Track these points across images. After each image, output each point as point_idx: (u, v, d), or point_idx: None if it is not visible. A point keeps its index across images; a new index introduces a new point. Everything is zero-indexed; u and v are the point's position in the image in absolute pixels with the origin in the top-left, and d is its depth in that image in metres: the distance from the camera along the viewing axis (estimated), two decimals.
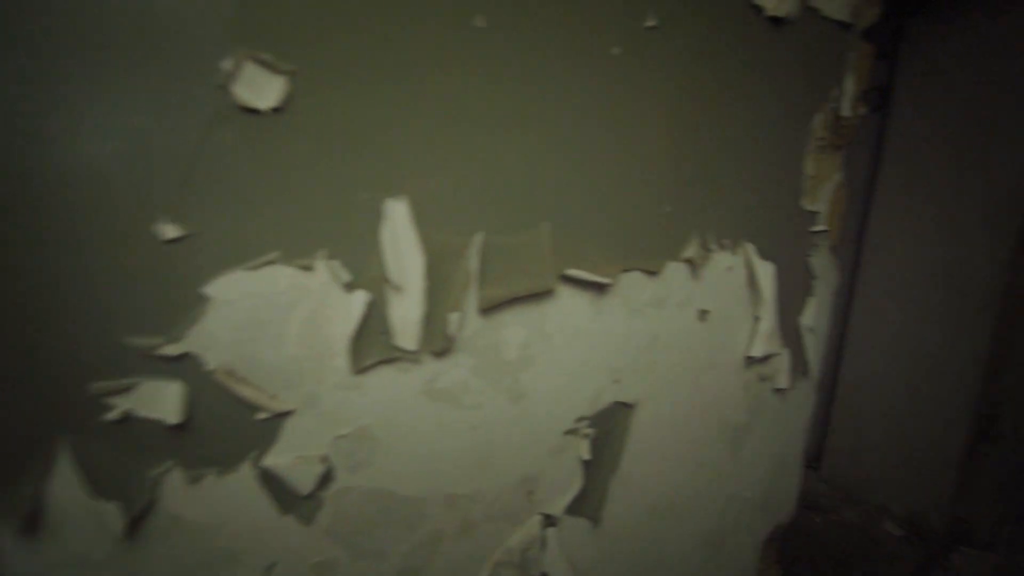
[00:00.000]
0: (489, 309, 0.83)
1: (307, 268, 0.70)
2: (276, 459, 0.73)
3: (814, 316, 1.21)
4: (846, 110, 1.09)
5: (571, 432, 0.96)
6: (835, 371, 2.58)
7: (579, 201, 0.86)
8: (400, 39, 0.69)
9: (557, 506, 0.98)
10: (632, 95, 0.86)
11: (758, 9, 0.95)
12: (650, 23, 0.85)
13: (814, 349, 1.25)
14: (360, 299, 0.72)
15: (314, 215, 0.69)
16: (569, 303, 0.89)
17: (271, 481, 0.74)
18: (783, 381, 1.21)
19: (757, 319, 1.12)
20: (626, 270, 0.93)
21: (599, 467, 1.01)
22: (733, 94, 0.97)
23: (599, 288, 0.91)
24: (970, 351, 2.07)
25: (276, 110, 0.64)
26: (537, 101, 0.80)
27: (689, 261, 0.99)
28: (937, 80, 2.08)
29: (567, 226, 0.86)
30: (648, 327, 0.99)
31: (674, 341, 1.04)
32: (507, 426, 0.90)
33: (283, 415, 0.73)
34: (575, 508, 1.00)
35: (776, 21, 0.97)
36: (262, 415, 0.71)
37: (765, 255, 1.09)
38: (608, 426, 1.01)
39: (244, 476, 0.72)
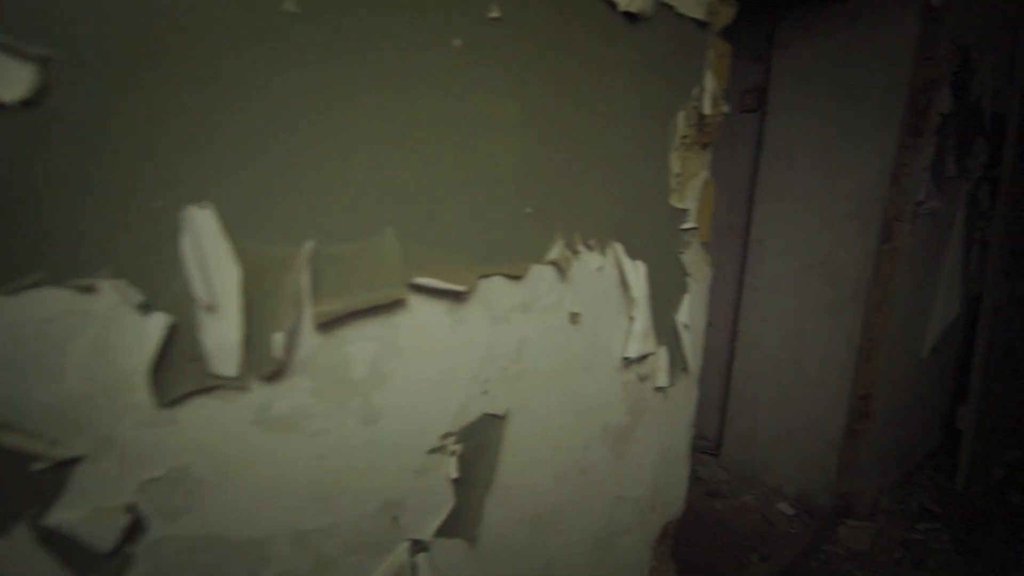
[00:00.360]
0: (328, 325, 0.75)
1: (87, 290, 0.59)
2: (64, 514, 0.62)
3: (689, 312, 1.22)
4: (707, 108, 1.10)
5: (436, 450, 0.90)
6: (730, 361, 2.68)
7: (427, 204, 0.80)
8: (192, 14, 0.60)
9: (426, 530, 0.92)
10: (477, 90, 0.81)
11: (611, 4, 0.93)
12: (494, 14, 0.80)
13: (692, 345, 1.26)
14: (158, 323, 0.63)
15: (91, 228, 0.59)
16: (424, 314, 0.83)
17: (58, 541, 0.62)
18: (663, 379, 1.21)
19: (632, 319, 1.11)
20: (486, 275, 0.88)
21: (471, 484, 0.96)
22: (592, 91, 0.94)
23: (457, 296, 0.85)
24: (845, 336, 2.21)
25: (26, 103, 0.54)
26: (371, 93, 0.73)
27: (555, 263, 0.96)
28: (805, 82, 2.20)
29: (415, 231, 0.80)
30: (515, 333, 0.95)
31: (545, 346, 1.00)
32: (361, 450, 0.82)
33: (69, 462, 0.62)
34: (447, 529, 0.94)
35: (631, 17, 0.96)
36: (39, 465, 0.60)
37: (635, 254, 1.08)
38: (479, 440, 0.95)
39: (19, 539, 0.60)
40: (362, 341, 0.79)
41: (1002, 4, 2.25)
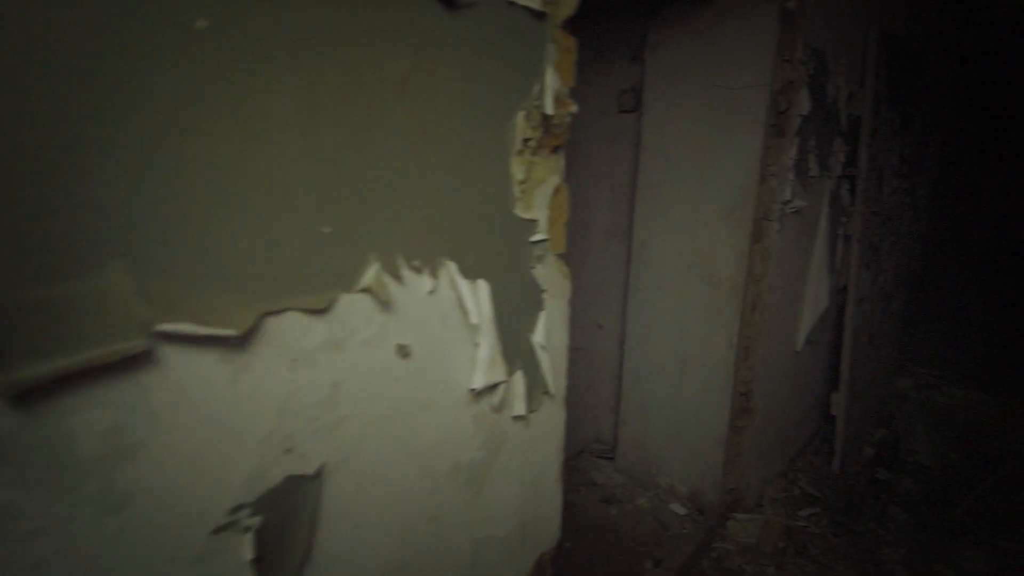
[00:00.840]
0: (30, 395, 0.56)
1: None
2: None
3: (547, 332, 1.11)
4: (549, 108, 0.99)
5: (224, 528, 0.73)
6: (620, 363, 2.66)
7: (175, 227, 0.63)
8: None
9: None
10: (235, 80, 0.64)
11: None
12: None
13: (553, 366, 1.16)
14: None
15: None
16: (184, 367, 0.66)
17: None
18: (520, 407, 1.10)
19: (476, 345, 0.99)
20: (273, 312, 0.72)
21: (279, 561, 0.79)
22: (405, 87, 0.81)
23: (230, 341, 0.69)
24: (725, 335, 2.22)
25: None
26: (81, 79, 0.55)
27: (370, 290, 0.81)
28: (678, 83, 2.19)
29: (159, 264, 0.62)
30: (325, 377, 0.80)
31: (369, 387, 0.85)
32: (104, 547, 0.64)
33: None
34: None
35: (449, 3, 0.83)
36: None
37: (474, 273, 0.96)
38: (285, 508, 0.79)
39: None
40: (91, 409, 0.60)
41: (852, 11, 2.36)
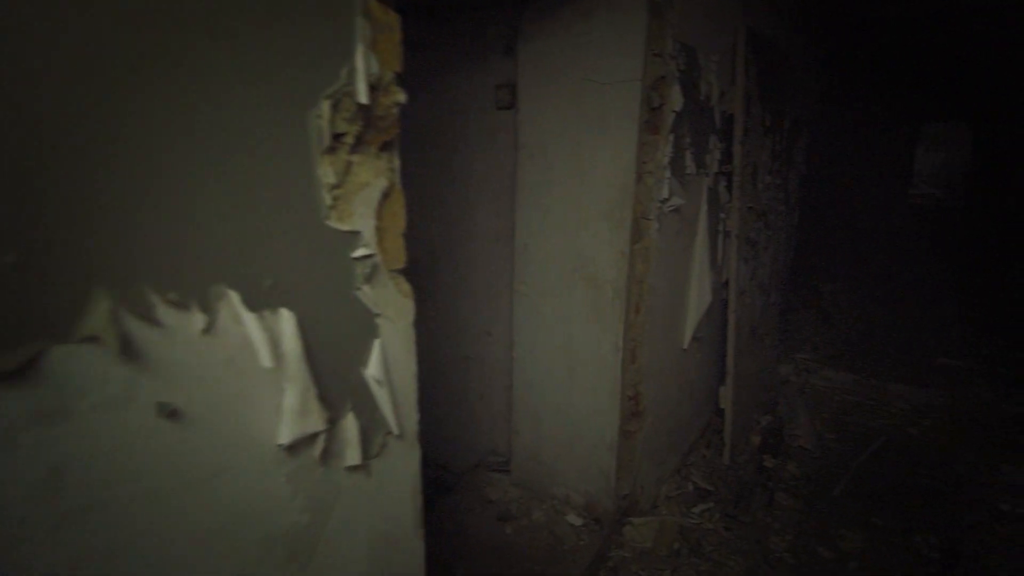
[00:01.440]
0: None
1: None
2: None
3: (383, 363, 0.94)
4: (362, 96, 0.82)
5: None
6: (510, 373, 2.54)
7: None
8: None
9: None
10: None
11: None
12: None
13: (397, 401, 0.99)
14: None
15: None
16: None
17: None
18: (354, 456, 0.91)
19: (283, 390, 0.79)
20: None
21: None
22: (141, 60, 0.60)
23: None
24: (611, 338, 2.15)
25: None
26: None
27: (97, 338, 0.60)
28: (553, 76, 2.09)
29: None
30: (37, 460, 0.58)
31: (115, 464, 0.64)
32: None
33: None
34: None
35: None
36: None
37: (272, 301, 0.76)
38: None
39: None
40: None
41: (720, 9, 2.37)
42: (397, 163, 0.94)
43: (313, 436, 0.84)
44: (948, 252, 8.17)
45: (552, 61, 2.08)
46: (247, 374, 0.75)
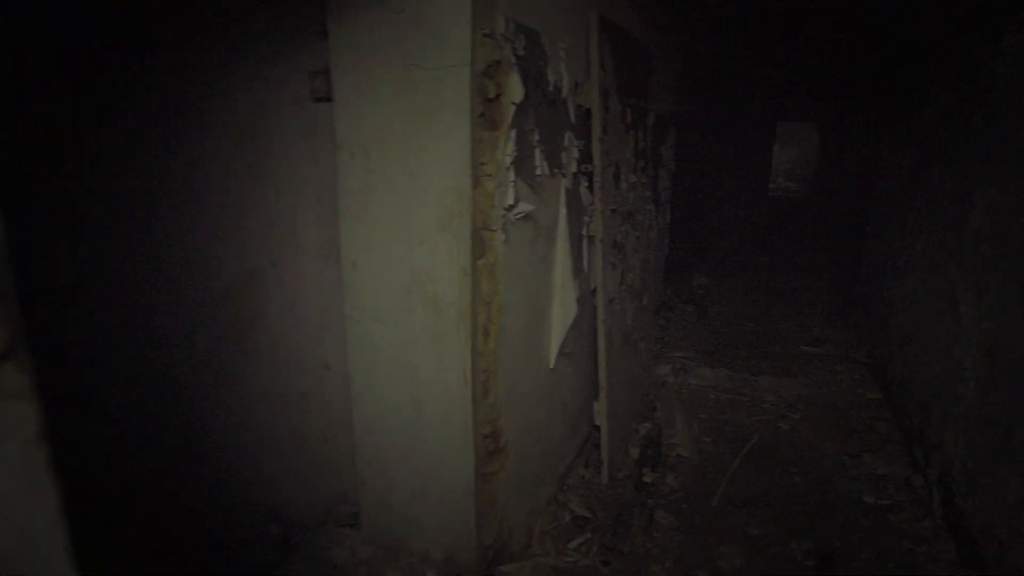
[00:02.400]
0: None
1: None
2: None
3: None
4: None
5: None
6: (349, 412, 2.15)
7: None
8: None
9: None
10: None
11: None
12: None
13: None
14: None
15: None
16: None
17: None
18: None
19: None
20: None
21: None
22: None
23: None
24: (459, 369, 1.84)
25: None
26: None
27: None
28: (371, 61, 1.73)
29: None
30: None
31: None
32: None
33: None
34: None
35: None
36: None
37: None
38: None
39: None
40: None
41: None
42: None
43: None
44: (803, 241, 8.80)
45: (369, 43, 1.72)
46: None
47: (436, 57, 1.62)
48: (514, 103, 1.72)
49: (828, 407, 3.66)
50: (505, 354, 1.93)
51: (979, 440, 2.30)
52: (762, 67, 8.44)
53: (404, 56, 1.67)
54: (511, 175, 1.77)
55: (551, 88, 2.02)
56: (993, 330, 2.28)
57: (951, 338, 2.70)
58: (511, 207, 1.79)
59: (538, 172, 2.00)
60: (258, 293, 2.20)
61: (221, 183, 1.85)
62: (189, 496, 1.88)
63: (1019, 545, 1.87)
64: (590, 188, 2.50)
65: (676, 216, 6.79)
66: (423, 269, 1.79)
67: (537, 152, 1.94)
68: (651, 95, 3.45)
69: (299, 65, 1.96)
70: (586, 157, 2.44)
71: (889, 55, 4.54)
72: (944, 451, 2.62)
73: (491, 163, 1.70)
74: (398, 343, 1.90)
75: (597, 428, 2.82)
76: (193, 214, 1.76)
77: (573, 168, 2.36)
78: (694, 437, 3.25)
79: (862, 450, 3.15)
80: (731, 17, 4.48)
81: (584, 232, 2.54)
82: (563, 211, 2.27)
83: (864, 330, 4.62)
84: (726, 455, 3.11)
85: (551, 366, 2.36)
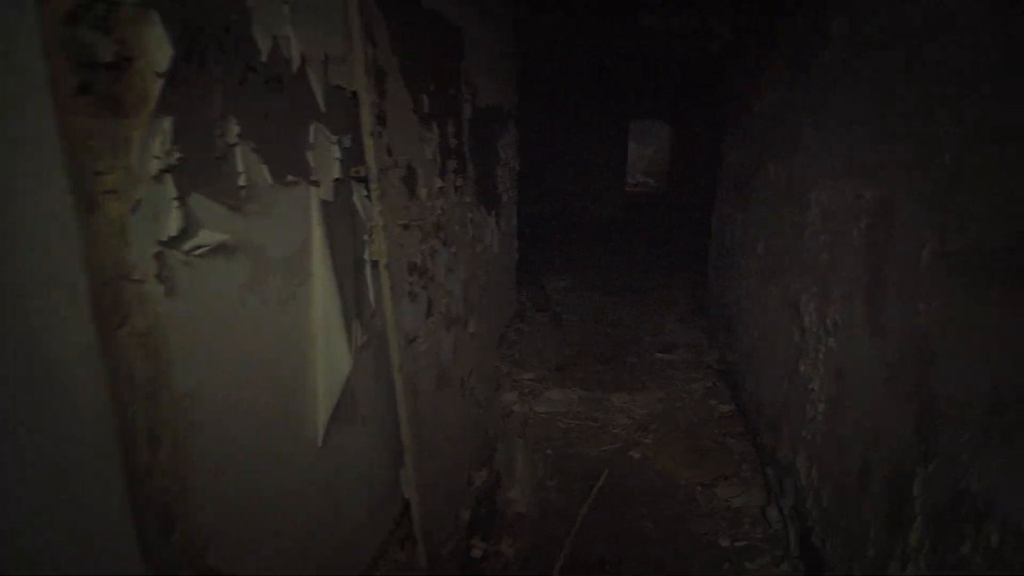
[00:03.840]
0: None
1: None
2: None
3: None
4: None
5: None
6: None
7: None
8: None
9: None
10: None
11: None
12: None
13: None
14: None
15: None
16: None
17: None
18: None
19: None
20: None
21: None
22: None
23: None
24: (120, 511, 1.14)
25: None
26: None
27: None
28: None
29: None
30: None
31: None
32: None
33: None
34: None
35: None
36: None
37: None
38: None
39: None
40: None
41: None
42: None
43: None
44: (661, 237, 8.90)
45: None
46: None
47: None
48: (158, 72, 1.06)
49: (681, 425, 3.38)
50: (210, 466, 1.26)
51: (834, 471, 2.02)
52: (613, 62, 8.34)
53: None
54: (169, 189, 1.10)
55: (264, 58, 1.37)
56: (839, 350, 2.00)
57: (797, 352, 2.45)
58: (177, 237, 1.13)
59: (255, 179, 1.35)
60: None
61: None
62: None
63: None
64: (369, 197, 1.89)
65: (529, 217, 6.38)
66: (38, 349, 1.06)
67: (239, 151, 1.29)
68: (467, 84, 2.91)
69: None
70: (357, 157, 1.82)
71: (723, 44, 4.41)
72: (797, 478, 2.35)
73: (120, 172, 1.02)
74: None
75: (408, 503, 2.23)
76: None
77: (336, 173, 1.74)
78: (536, 483, 2.77)
79: (716, 476, 2.86)
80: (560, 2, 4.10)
81: (366, 256, 1.93)
82: (318, 232, 1.64)
83: (716, 333, 4.48)
84: (572, 503, 2.67)
85: (319, 443, 1.72)
